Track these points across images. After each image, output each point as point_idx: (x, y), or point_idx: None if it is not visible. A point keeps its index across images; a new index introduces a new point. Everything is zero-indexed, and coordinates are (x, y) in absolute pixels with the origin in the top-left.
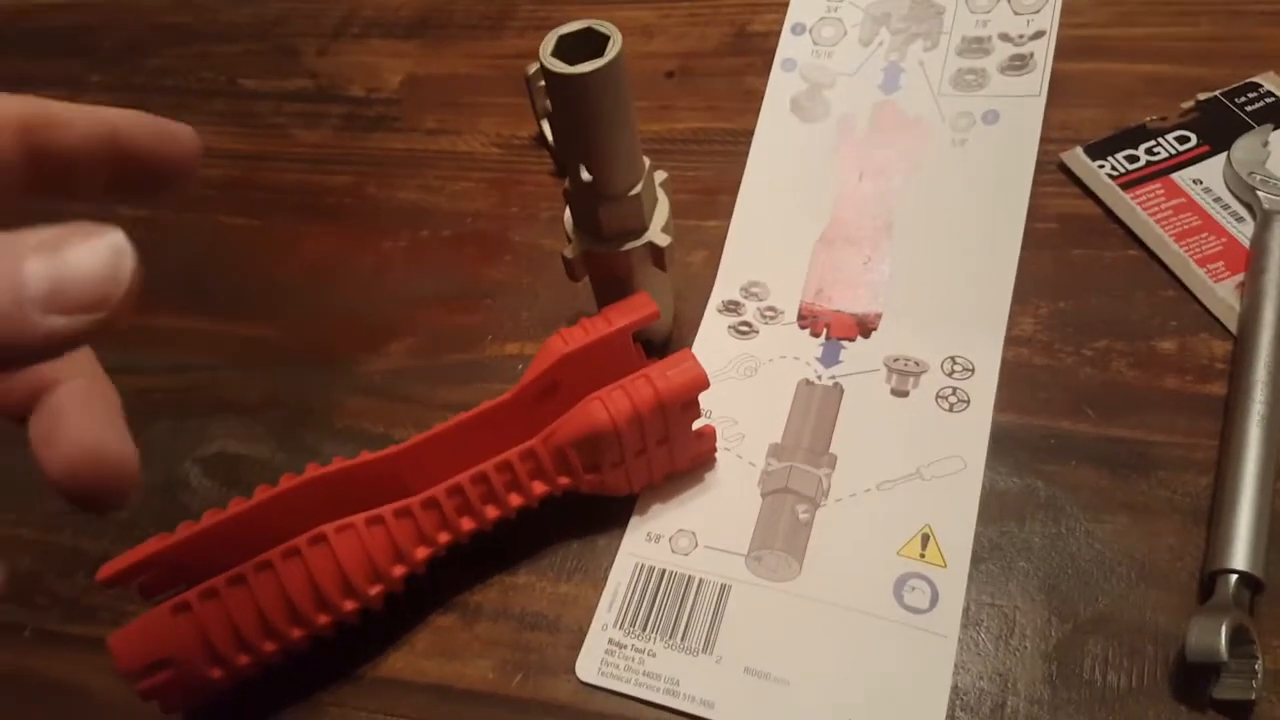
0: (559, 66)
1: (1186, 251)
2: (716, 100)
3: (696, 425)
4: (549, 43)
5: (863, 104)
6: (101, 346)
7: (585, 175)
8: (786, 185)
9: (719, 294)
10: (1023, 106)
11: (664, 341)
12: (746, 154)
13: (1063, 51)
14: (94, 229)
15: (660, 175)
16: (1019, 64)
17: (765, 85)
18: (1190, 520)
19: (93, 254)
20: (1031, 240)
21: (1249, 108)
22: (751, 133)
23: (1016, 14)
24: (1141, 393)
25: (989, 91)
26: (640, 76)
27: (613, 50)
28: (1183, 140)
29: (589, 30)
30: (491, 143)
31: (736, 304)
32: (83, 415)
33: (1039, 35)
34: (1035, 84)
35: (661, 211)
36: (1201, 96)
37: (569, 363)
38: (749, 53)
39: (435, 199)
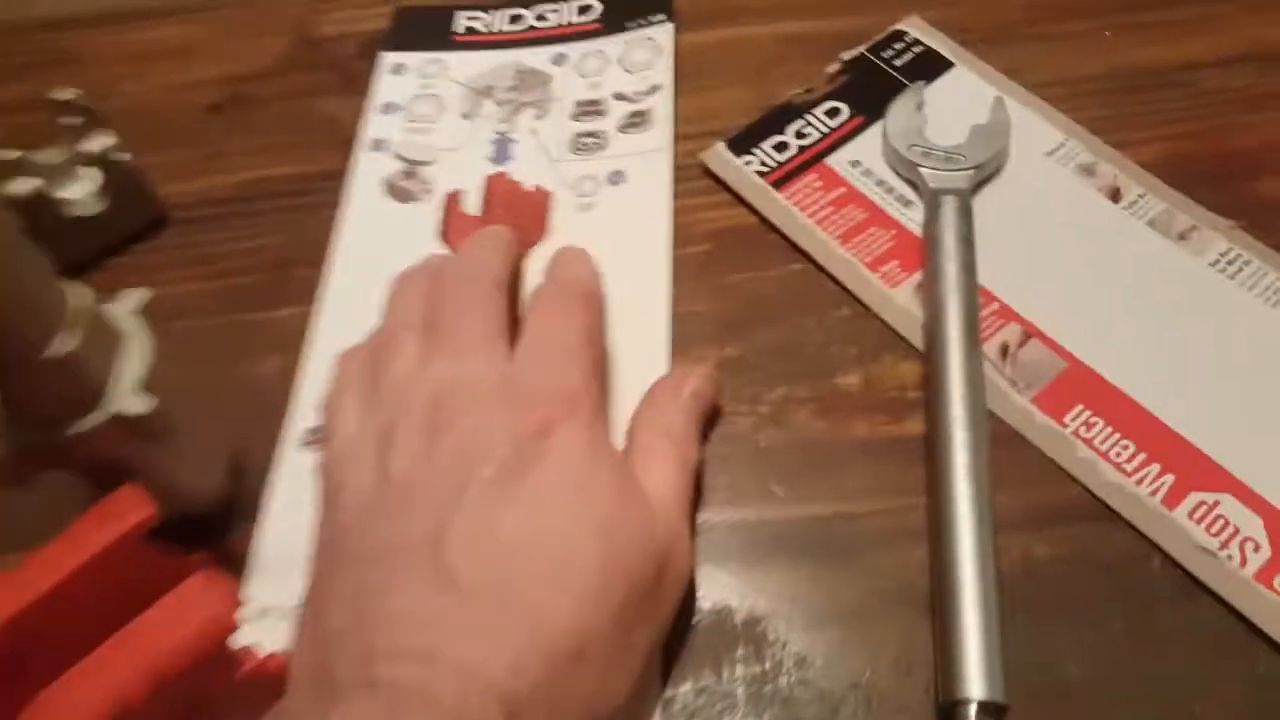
0: None
1: (854, 254)
2: (281, 135)
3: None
4: None
5: (472, 177)
6: None
7: None
8: (387, 274)
9: (302, 420)
10: (649, 161)
11: (221, 506)
12: (325, 207)
13: (690, 19)
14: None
15: (134, 298)
16: (638, 120)
17: (342, 108)
18: (913, 611)
19: None
20: (683, 272)
21: (897, 61)
22: (332, 174)
23: (629, 72)
24: (831, 448)
25: (611, 152)
26: (174, 115)
27: None
28: (833, 114)
29: None
30: None
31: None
32: None
33: (655, 89)
34: (659, 138)
35: (137, 354)
36: (846, 55)
37: (21, 632)
38: (318, 66)
39: None
